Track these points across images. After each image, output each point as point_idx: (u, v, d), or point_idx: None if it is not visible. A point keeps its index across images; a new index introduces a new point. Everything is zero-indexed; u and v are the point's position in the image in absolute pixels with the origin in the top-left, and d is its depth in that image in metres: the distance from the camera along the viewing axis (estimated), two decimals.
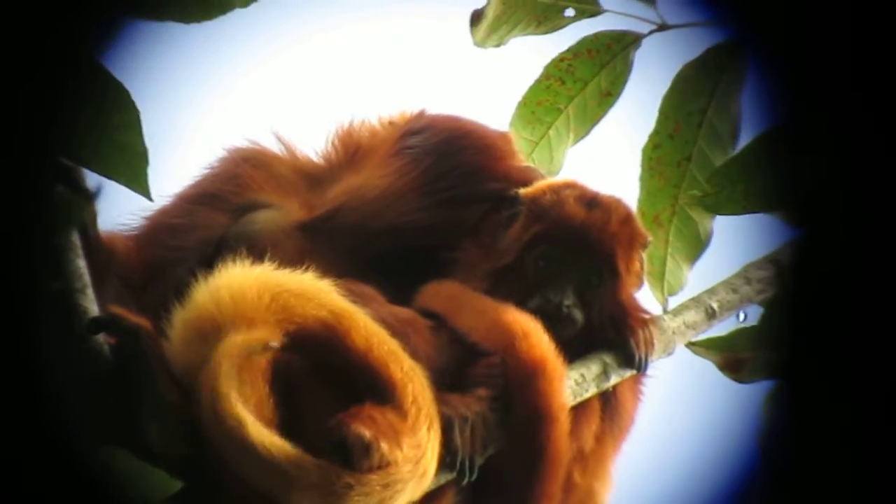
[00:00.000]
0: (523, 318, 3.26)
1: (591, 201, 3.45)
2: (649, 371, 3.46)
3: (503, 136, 3.59)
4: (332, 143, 3.64)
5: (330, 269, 3.10)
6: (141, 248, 3.41)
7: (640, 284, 3.51)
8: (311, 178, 3.57)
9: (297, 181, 3.57)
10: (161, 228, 3.44)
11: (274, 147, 3.63)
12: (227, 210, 3.46)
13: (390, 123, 3.65)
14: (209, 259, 3.10)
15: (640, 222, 3.51)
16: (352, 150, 3.61)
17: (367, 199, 3.45)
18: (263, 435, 2.88)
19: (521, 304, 3.33)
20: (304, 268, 3.08)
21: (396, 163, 3.48)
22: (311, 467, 2.90)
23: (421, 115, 3.61)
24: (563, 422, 3.21)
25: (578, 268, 3.40)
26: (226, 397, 2.87)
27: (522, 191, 3.52)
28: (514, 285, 3.39)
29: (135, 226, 3.46)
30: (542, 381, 3.21)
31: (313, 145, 3.64)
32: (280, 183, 3.55)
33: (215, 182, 3.53)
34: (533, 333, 3.24)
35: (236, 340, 2.92)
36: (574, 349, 3.31)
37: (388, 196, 3.44)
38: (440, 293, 3.37)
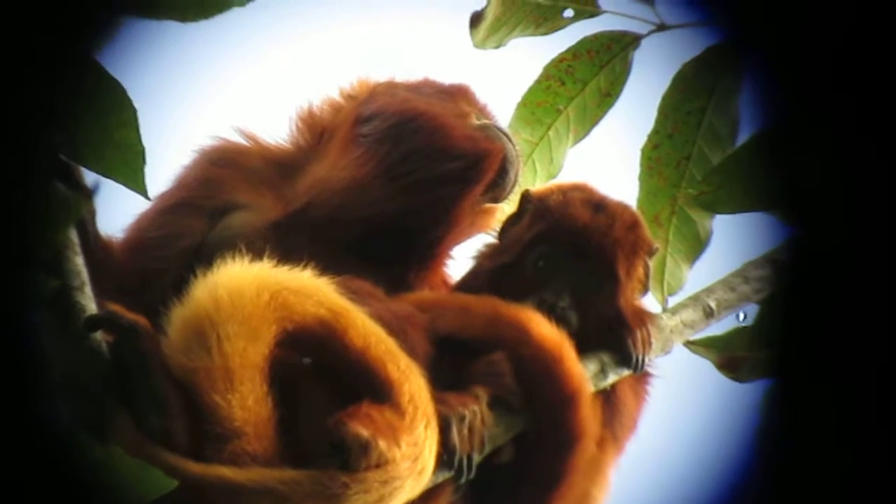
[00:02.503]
0: (522, 309, 3.27)
1: (598, 205, 3.45)
2: (648, 370, 3.46)
3: (454, 104, 3.57)
4: (298, 127, 3.64)
5: (310, 263, 3.09)
6: (127, 260, 3.41)
7: (643, 291, 3.50)
8: (282, 166, 3.57)
9: (268, 172, 3.56)
10: (142, 244, 3.43)
11: (240, 141, 3.63)
12: (203, 215, 3.46)
13: (350, 97, 3.65)
14: (193, 266, 3.09)
15: (647, 230, 3.50)
16: (318, 132, 3.61)
17: (334, 192, 3.45)
18: (244, 472, 2.89)
19: (517, 303, 3.33)
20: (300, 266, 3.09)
21: (354, 152, 3.48)
22: (303, 479, 2.91)
23: (372, 96, 3.60)
24: (588, 396, 3.24)
25: (578, 270, 3.40)
26: (188, 467, 2.88)
27: (532, 189, 3.54)
28: (513, 284, 3.39)
29: (118, 241, 3.46)
30: (566, 363, 3.22)
31: (281, 132, 3.65)
32: (252, 178, 3.54)
33: (187, 189, 3.52)
34: (538, 321, 3.25)
35: None
36: None
37: (352, 188, 3.44)
38: (418, 302, 3.37)
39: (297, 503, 2.89)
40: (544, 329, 3.25)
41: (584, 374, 3.27)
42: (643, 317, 3.43)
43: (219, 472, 2.88)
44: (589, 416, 3.23)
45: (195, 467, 2.88)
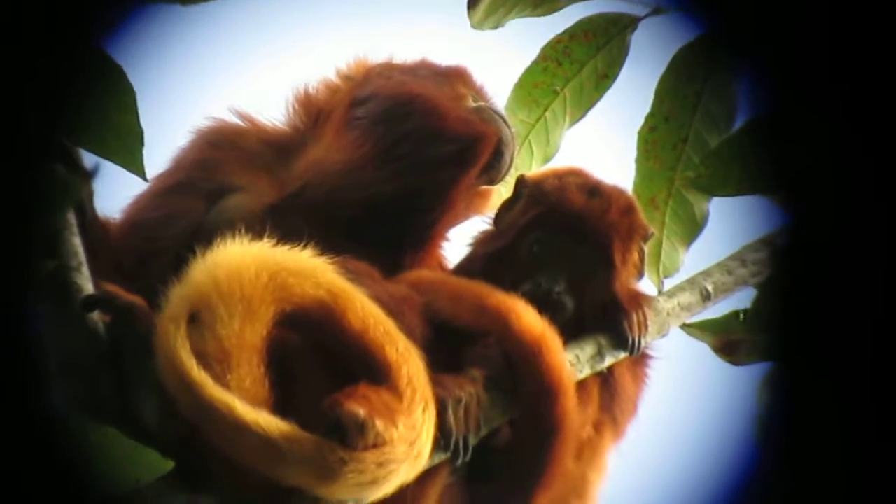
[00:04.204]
0: (508, 299, 3.26)
1: (593, 190, 3.45)
2: (647, 353, 3.47)
3: (450, 86, 3.57)
4: (294, 109, 3.64)
5: (307, 245, 3.09)
6: (125, 241, 3.41)
7: (639, 276, 3.51)
8: (279, 148, 3.57)
9: (265, 153, 3.56)
10: (140, 224, 3.43)
11: (238, 122, 3.63)
12: (201, 196, 3.46)
13: (347, 78, 3.65)
14: (191, 247, 3.09)
15: (642, 215, 3.50)
16: (314, 113, 3.61)
17: (330, 174, 3.45)
18: (252, 413, 2.88)
19: (513, 288, 3.32)
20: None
21: (350, 135, 3.48)
22: (305, 441, 2.90)
23: (367, 78, 3.60)
24: (572, 391, 3.22)
25: (573, 255, 3.40)
26: (204, 384, 2.88)
27: (527, 175, 3.54)
28: (508, 269, 3.39)
29: (116, 222, 3.46)
30: (547, 356, 3.21)
31: (279, 114, 3.65)
32: (248, 160, 3.54)
33: (184, 171, 3.52)
34: (523, 312, 3.24)
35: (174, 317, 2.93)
36: (564, 334, 3.31)
37: (348, 170, 3.44)
38: (413, 283, 3.37)
39: (291, 464, 2.89)
40: (525, 321, 3.24)
41: (567, 368, 3.25)
42: (639, 299, 3.44)
43: (230, 402, 2.88)
44: (570, 409, 3.22)
45: (212, 388, 2.88)
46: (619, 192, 3.47)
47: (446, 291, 3.32)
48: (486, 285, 3.31)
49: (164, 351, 2.89)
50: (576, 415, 3.24)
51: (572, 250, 3.40)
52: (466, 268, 3.49)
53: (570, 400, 3.22)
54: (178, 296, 2.97)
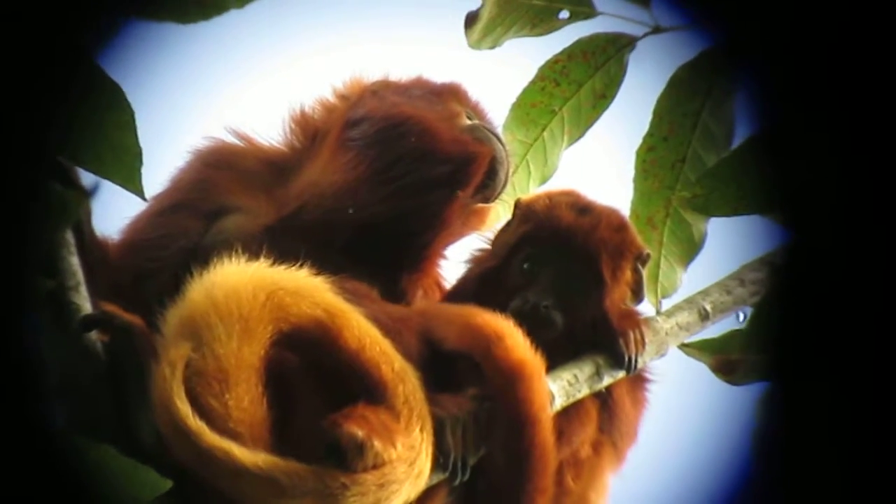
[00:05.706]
0: (495, 321, 3.23)
1: (583, 208, 3.46)
2: (646, 375, 3.46)
3: (443, 105, 3.58)
4: (291, 128, 3.64)
5: (305, 265, 3.09)
6: (123, 260, 3.41)
7: (637, 298, 3.49)
8: (276, 167, 3.58)
9: (262, 174, 3.57)
10: (138, 244, 3.43)
11: (235, 142, 3.63)
12: (199, 216, 3.46)
13: (343, 97, 3.65)
14: (189, 267, 3.09)
15: (636, 234, 3.50)
16: (311, 133, 3.61)
17: (325, 196, 3.46)
18: (251, 455, 2.89)
19: (504, 306, 3.33)
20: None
21: (344, 156, 3.48)
22: (306, 474, 2.90)
23: (361, 98, 3.60)
24: (546, 421, 3.19)
25: (562, 271, 3.40)
26: (201, 433, 2.88)
27: (522, 198, 3.55)
28: (500, 288, 3.40)
29: (114, 241, 3.46)
30: (521, 385, 3.18)
31: (277, 133, 3.66)
32: (246, 180, 3.54)
33: (182, 191, 3.53)
34: (507, 336, 3.21)
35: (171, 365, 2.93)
36: (560, 354, 3.32)
37: (343, 192, 3.44)
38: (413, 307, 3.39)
39: (295, 498, 2.89)
40: (505, 348, 3.21)
41: (543, 402, 3.21)
42: (635, 318, 3.43)
43: (228, 448, 2.87)
44: (544, 441, 3.18)
45: (209, 436, 2.88)
46: (610, 211, 3.48)
47: (439, 314, 3.32)
48: (476, 308, 3.30)
49: (159, 397, 2.89)
50: (550, 444, 3.20)
51: (562, 267, 3.40)
52: (461, 288, 3.50)
53: (541, 430, 3.18)
54: (175, 317, 2.97)
